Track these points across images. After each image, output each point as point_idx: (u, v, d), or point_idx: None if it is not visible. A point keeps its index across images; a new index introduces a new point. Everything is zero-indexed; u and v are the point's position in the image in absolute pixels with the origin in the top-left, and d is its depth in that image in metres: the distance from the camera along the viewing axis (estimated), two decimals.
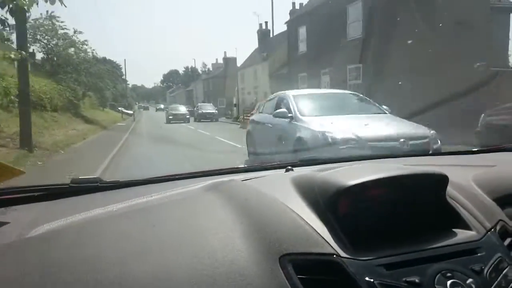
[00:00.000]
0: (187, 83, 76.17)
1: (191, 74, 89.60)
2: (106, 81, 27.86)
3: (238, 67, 36.68)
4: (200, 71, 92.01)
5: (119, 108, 41.03)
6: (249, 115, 10.44)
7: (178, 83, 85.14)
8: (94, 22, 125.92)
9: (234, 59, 41.11)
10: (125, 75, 56.28)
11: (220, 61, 49.82)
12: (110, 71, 31.77)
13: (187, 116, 29.20)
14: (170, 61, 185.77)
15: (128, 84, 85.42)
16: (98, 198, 1.05)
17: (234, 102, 30.82)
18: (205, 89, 48.39)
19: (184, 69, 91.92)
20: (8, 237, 0.77)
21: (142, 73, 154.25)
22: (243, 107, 26.92)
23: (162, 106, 61.49)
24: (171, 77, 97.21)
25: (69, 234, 0.77)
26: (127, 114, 33.40)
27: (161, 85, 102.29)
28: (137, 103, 77.60)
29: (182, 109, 31.22)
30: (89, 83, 22.76)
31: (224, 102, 39.79)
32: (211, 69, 58.19)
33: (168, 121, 28.65)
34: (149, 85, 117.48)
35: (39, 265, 0.66)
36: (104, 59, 76.07)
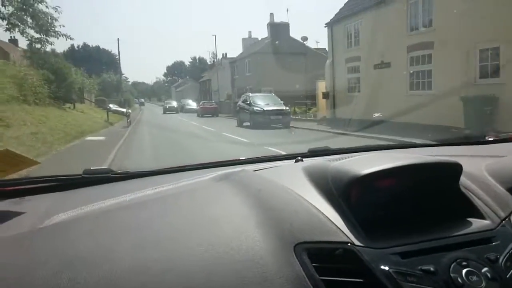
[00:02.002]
0: (196, 76, 67.22)
1: (199, 65, 78.57)
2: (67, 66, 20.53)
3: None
4: (208, 62, 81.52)
5: (110, 106, 30.06)
6: None
7: (185, 75, 74.05)
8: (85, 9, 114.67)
9: (286, 25, 29.80)
10: (119, 59, 44.35)
11: (255, 35, 38.97)
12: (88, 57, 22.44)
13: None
14: (174, 52, 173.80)
15: (128, 81, 75.97)
16: (110, 189, 1.07)
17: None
18: (235, 75, 36.40)
19: (191, 60, 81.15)
20: (23, 227, 0.79)
21: (143, 68, 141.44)
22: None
23: (174, 103, 41.99)
24: (175, 70, 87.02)
25: (82, 224, 0.77)
26: (120, 113, 22.04)
27: (165, 78, 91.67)
28: (136, 100, 66.19)
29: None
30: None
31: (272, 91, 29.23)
32: (219, 59, 47.47)
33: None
34: (151, 81, 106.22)
35: (53, 254, 0.66)
36: (98, 48, 66.29)
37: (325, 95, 16.77)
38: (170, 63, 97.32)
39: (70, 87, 20.62)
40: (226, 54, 45.16)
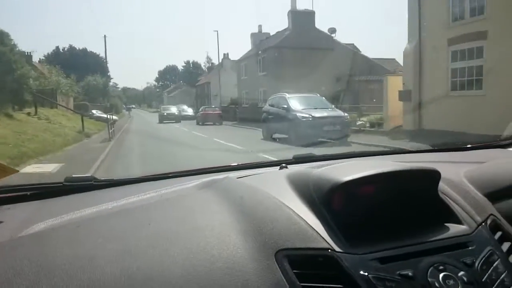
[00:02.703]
0: (189, 81, 62.57)
1: (192, 69, 73.57)
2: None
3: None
4: (203, 67, 76.68)
5: (92, 112, 24.79)
6: None
7: (177, 80, 68.94)
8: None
9: (310, 14, 25.08)
10: (106, 60, 38.63)
11: (266, 29, 33.31)
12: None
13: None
14: (166, 57, 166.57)
15: (118, 87, 70.86)
16: (92, 197, 1.05)
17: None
18: (242, 76, 31.13)
19: (184, 65, 76.24)
20: (1, 236, 0.77)
21: (133, 73, 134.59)
22: None
23: (173, 109, 32.04)
24: (168, 74, 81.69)
25: (63, 233, 0.76)
26: (104, 120, 17.02)
27: (156, 83, 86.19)
28: (124, 105, 60.68)
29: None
30: None
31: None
32: (214, 63, 41.81)
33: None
34: (141, 86, 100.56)
35: (32, 264, 0.65)
36: (85, 50, 60.84)
37: (404, 96, 11.43)
38: (162, 67, 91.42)
39: (20, 83, 14.22)
40: (227, 54, 39.88)
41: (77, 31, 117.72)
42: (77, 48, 63.07)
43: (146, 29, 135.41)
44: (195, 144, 12.33)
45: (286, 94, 12.69)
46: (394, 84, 12.50)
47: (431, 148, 1.78)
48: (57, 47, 61.29)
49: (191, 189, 0.98)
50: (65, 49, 62.86)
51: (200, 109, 29.13)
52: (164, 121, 28.16)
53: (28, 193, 1.04)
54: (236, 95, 33.10)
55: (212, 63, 53.00)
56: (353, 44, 25.30)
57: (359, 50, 25.21)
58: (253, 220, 0.74)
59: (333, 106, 12.25)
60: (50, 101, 19.79)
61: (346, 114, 11.72)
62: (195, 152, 9.91)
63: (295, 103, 11.95)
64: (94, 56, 57.17)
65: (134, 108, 73.82)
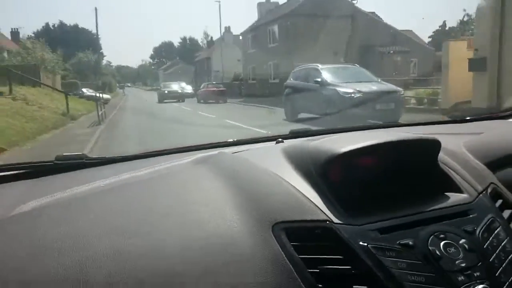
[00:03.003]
0: (186, 57, 59.15)
1: (190, 46, 70.41)
2: None
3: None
4: (200, 43, 73.42)
5: (82, 90, 22.53)
6: None
7: (174, 57, 65.77)
8: None
9: None
10: (98, 34, 35.45)
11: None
12: None
13: None
14: (161, 33, 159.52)
15: (111, 65, 67.75)
16: (84, 175, 1.03)
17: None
18: (248, 49, 27.39)
19: (180, 41, 72.84)
20: None
21: (128, 51, 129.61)
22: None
23: (175, 86, 28.19)
24: (163, 51, 78.23)
25: (55, 211, 0.76)
26: (96, 100, 14.30)
27: (151, 61, 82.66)
28: (118, 84, 57.81)
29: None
30: None
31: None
32: (213, 39, 38.38)
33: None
34: (136, 64, 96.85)
35: (25, 243, 0.66)
36: (76, 27, 57.45)
37: (477, 64, 8.68)
38: (157, 44, 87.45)
39: None
40: (229, 27, 36.74)
41: (68, 7, 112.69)
42: (68, 25, 59.48)
43: (140, 4, 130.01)
44: (205, 128, 9.91)
45: (319, 65, 10.17)
46: (457, 52, 9.99)
47: (431, 121, 1.71)
48: (47, 24, 57.69)
49: (186, 165, 0.96)
50: (55, 25, 59.40)
51: (201, 86, 26.62)
52: (165, 100, 24.67)
53: (19, 172, 1.02)
54: (240, 71, 30.46)
55: (211, 37, 49.66)
56: (374, 12, 22.57)
57: (381, 19, 22.50)
58: (249, 194, 0.73)
59: (379, 79, 9.80)
60: (29, 78, 17.18)
61: (400, 88, 9.31)
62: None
63: (331, 75, 9.51)
64: (86, 33, 53.56)
65: (129, 86, 70.94)
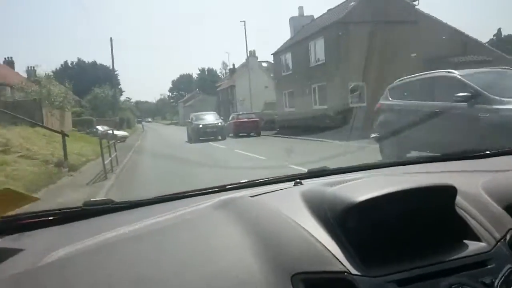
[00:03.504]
0: (205, 88, 57.49)
1: (208, 76, 68.35)
2: None
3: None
4: (219, 73, 71.49)
5: (97, 128, 19.92)
6: None
7: (192, 90, 63.66)
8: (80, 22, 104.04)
9: None
10: (112, 59, 33.06)
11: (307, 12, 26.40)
12: None
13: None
14: (179, 66, 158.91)
15: (131, 101, 66.29)
16: (110, 220, 1.05)
17: None
18: (283, 72, 23.49)
19: (199, 72, 71.08)
20: (23, 265, 0.78)
21: (146, 87, 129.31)
22: None
23: (211, 117, 20.78)
24: (182, 84, 76.73)
25: (82, 260, 0.77)
26: (111, 138, 10.90)
27: (170, 94, 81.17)
28: (136, 119, 55.51)
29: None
30: None
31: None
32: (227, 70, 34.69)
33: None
34: (154, 98, 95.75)
35: None
36: (94, 63, 56.02)
37: None
38: (175, 77, 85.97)
39: None
40: (254, 51, 33.58)
41: (86, 45, 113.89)
42: (86, 62, 58.51)
43: (157, 39, 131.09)
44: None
45: (455, 71, 6.23)
46: None
47: (444, 157, 1.66)
48: (65, 62, 57.23)
49: (206, 210, 0.97)
50: (73, 63, 58.42)
51: (230, 117, 23.24)
52: (202, 138, 17.94)
53: (49, 218, 1.04)
54: (271, 98, 26.99)
55: (233, 64, 46.77)
56: (435, 17, 18.90)
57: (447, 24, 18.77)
58: (268, 242, 0.73)
59: None
60: (39, 116, 14.06)
61: None
62: None
63: (488, 86, 5.60)
64: (104, 69, 52.21)
65: (149, 121, 68.90)
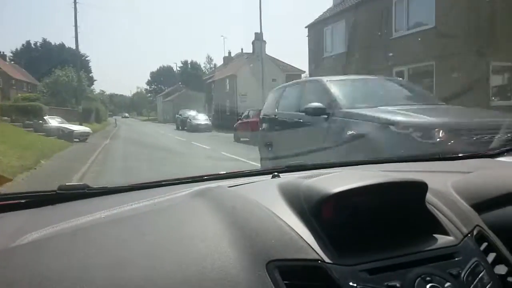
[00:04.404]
0: (188, 83, 51.79)
1: (191, 70, 61.44)
2: None
3: None
4: (203, 68, 64.67)
5: (49, 122, 17.27)
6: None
7: (173, 83, 57.10)
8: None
9: None
10: (76, 40, 26.33)
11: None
12: None
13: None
14: (159, 58, 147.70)
15: (104, 92, 59.38)
16: (85, 205, 1.05)
17: None
18: (325, 51, 17.25)
19: (181, 65, 64.70)
20: None
21: (122, 78, 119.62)
22: None
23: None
24: (161, 76, 69.91)
25: (57, 242, 0.77)
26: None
27: (148, 87, 73.94)
28: (109, 113, 51.43)
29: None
30: None
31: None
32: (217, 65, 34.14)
33: None
34: (130, 91, 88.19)
35: (26, 274, 0.66)
36: (62, 46, 48.17)
37: None
38: (154, 69, 78.39)
39: None
40: (261, 34, 26.94)
41: (54, 25, 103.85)
42: (53, 43, 50.60)
43: (135, 26, 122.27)
44: None
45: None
46: None
47: (420, 157, 1.75)
48: (28, 42, 50.12)
49: (184, 198, 0.97)
50: (38, 44, 50.39)
51: (240, 116, 17.96)
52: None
53: (22, 201, 1.02)
54: None
55: (229, 52, 40.52)
56: None
57: None
58: (245, 231, 0.74)
59: None
60: None
61: None
62: None
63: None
64: (73, 52, 44.55)
65: (128, 117, 61.80)
